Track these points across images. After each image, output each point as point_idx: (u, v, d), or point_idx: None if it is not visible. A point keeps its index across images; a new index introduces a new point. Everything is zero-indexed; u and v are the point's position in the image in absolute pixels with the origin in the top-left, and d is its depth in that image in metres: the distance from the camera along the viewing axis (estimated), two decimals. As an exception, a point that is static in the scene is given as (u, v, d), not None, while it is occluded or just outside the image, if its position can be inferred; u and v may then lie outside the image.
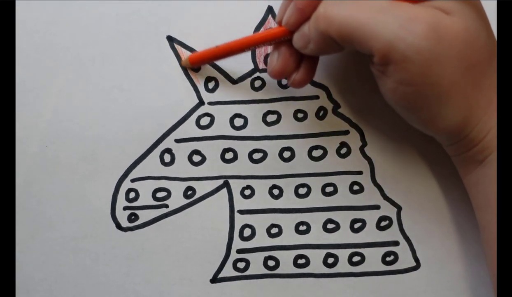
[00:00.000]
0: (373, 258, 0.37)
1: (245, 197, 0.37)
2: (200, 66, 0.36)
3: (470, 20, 0.28)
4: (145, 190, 0.36)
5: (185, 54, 0.36)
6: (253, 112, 0.36)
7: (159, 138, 0.36)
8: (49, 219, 0.36)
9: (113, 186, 0.36)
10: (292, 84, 0.33)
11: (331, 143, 0.36)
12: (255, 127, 0.36)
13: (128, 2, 0.35)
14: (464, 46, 0.28)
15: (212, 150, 0.36)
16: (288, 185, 0.37)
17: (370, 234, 0.37)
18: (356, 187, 0.37)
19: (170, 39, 0.36)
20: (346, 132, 0.36)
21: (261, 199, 0.37)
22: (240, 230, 0.37)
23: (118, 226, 0.36)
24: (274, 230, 0.37)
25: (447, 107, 0.28)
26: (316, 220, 0.37)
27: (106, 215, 0.36)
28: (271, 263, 0.37)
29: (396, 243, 0.37)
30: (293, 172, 0.37)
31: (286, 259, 0.37)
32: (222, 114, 0.36)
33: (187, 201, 0.36)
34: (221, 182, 0.36)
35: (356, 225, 0.37)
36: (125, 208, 0.36)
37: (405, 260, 0.37)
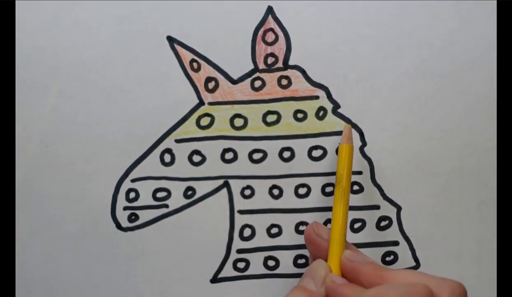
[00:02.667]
0: (373, 258, 0.37)
1: (245, 197, 0.37)
2: (201, 68, 0.36)
3: None
4: (145, 190, 0.36)
5: (185, 54, 0.36)
6: (253, 112, 0.36)
7: (159, 138, 0.36)
8: (49, 219, 0.36)
9: (113, 186, 0.36)
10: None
11: (331, 143, 0.36)
12: (255, 127, 0.36)
13: (128, 3, 0.35)
14: None
15: (212, 150, 0.36)
16: (288, 185, 0.37)
17: (370, 234, 0.37)
18: (356, 187, 0.37)
19: (170, 39, 0.36)
20: (346, 132, 0.36)
21: (261, 199, 0.37)
22: (240, 230, 0.37)
23: (118, 226, 0.36)
24: (274, 230, 0.37)
25: None
26: (316, 220, 0.37)
27: (106, 215, 0.36)
28: (271, 263, 0.37)
29: (396, 243, 0.37)
30: (293, 172, 0.37)
31: (286, 259, 0.37)
32: (222, 114, 0.36)
33: (187, 201, 0.36)
34: (221, 182, 0.36)
35: (356, 225, 0.37)
36: (125, 208, 0.36)
37: (405, 260, 0.37)
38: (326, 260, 0.32)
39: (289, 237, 0.37)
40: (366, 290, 0.28)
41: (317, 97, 0.36)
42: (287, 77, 0.36)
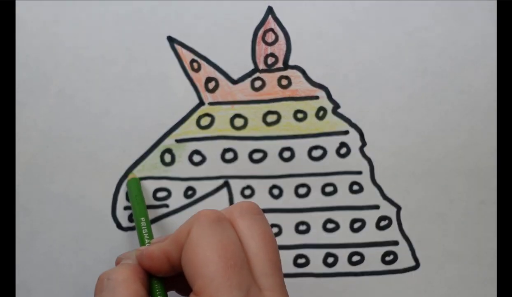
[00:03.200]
0: (372, 258, 0.37)
1: (245, 197, 0.37)
2: (201, 68, 0.36)
3: None
4: (146, 190, 0.36)
5: (185, 54, 0.36)
6: (253, 112, 0.36)
7: (160, 139, 0.36)
8: (49, 219, 0.36)
9: (114, 186, 0.36)
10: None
11: (331, 143, 0.36)
12: (255, 127, 0.36)
13: (128, 3, 0.35)
14: None
15: (212, 150, 0.36)
16: (288, 185, 0.37)
17: (369, 233, 0.37)
18: (355, 187, 0.37)
19: (171, 39, 0.36)
20: (346, 132, 0.36)
21: (261, 199, 0.37)
22: (240, 230, 0.37)
23: (119, 226, 0.36)
24: (274, 230, 0.37)
25: None
26: (316, 220, 0.37)
27: (106, 215, 0.36)
28: (271, 262, 0.37)
29: (395, 243, 0.37)
30: (293, 172, 0.37)
31: (285, 258, 0.37)
32: (222, 114, 0.36)
33: (187, 201, 0.36)
34: (221, 182, 0.37)
35: (356, 225, 0.37)
36: (125, 208, 0.36)
37: (404, 259, 0.37)
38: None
39: (289, 236, 0.37)
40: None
41: (317, 97, 0.36)
42: (287, 77, 0.36)
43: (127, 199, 0.36)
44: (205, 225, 0.27)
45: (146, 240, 0.32)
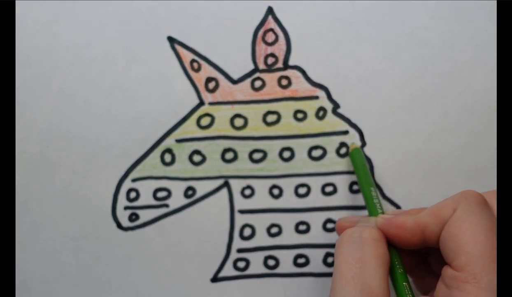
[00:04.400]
0: (372, 258, 0.37)
1: (245, 196, 0.37)
2: (201, 68, 0.36)
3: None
4: (146, 190, 0.36)
5: (186, 54, 0.36)
6: (253, 112, 0.36)
7: (160, 139, 0.36)
8: (49, 219, 0.36)
9: (114, 186, 0.36)
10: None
11: (331, 143, 0.36)
12: (255, 127, 0.36)
13: (128, 3, 0.35)
14: None
15: (212, 149, 0.36)
16: (288, 185, 0.37)
17: (369, 233, 0.37)
18: (355, 187, 0.37)
19: (171, 39, 0.36)
20: (346, 132, 0.36)
21: (261, 199, 0.37)
22: (240, 229, 0.37)
23: (119, 226, 0.36)
24: (274, 230, 0.37)
25: None
26: (316, 220, 0.37)
27: (106, 215, 0.36)
28: (271, 262, 0.37)
29: (395, 243, 0.37)
30: (293, 171, 0.37)
31: (286, 258, 0.37)
32: (222, 114, 0.36)
33: (187, 201, 0.36)
34: (221, 182, 0.37)
35: (356, 225, 0.37)
36: (125, 208, 0.36)
37: (404, 259, 0.37)
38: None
39: (289, 236, 0.37)
40: (419, 210, 0.29)
41: (317, 98, 0.36)
42: (287, 78, 0.36)
43: (127, 199, 0.36)
44: (473, 204, 0.27)
45: (379, 210, 0.32)
